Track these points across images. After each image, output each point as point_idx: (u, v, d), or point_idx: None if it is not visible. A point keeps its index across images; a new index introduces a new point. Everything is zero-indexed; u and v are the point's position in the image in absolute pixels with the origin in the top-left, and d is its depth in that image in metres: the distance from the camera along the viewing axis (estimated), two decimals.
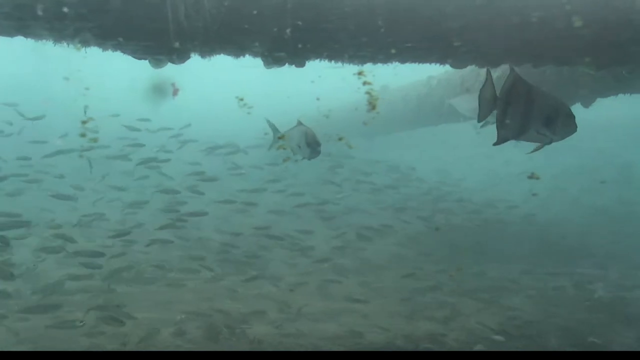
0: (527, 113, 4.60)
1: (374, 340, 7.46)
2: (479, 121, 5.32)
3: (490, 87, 4.79)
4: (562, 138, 4.72)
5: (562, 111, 4.59)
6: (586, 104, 9.69)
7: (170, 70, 7.02)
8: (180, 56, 6.23)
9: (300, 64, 6.83)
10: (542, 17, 6.53)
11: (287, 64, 6.79)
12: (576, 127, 4.66)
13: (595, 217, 17.26)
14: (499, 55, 7.22)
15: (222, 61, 6.84)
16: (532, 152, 5.15)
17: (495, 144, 4.93)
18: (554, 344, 7.41)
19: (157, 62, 6.62)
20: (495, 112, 4.70)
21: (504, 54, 7.25)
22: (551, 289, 10.17)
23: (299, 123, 6.83)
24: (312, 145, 6.63)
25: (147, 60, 6.62)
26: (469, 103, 7.58)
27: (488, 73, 4.86)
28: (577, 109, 9.59)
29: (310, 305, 8.83)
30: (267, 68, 6.87)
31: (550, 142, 4.75)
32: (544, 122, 4.57)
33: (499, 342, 7.45)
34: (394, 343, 7.39)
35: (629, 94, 9.47)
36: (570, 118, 4.60)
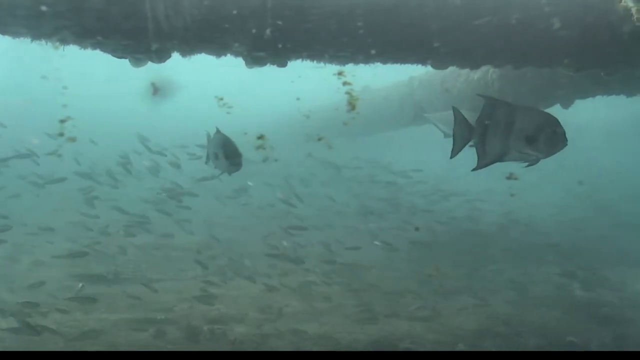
0: (506, 135, 4.55)
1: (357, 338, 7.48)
2: (451, 157, 5.39)
3: (463, 123, 4.83)
4: (549, 155, 4.62)
5: (546, 127, 4.49)
6: (565, 105, 9.78)
7: (170, 70, 7.02)
8: (159, 55, 6.19)
9: (282, 63, 6.80)
10: (521, 19, 6.57)
11: (268, 64, 6.76)
12: (565, 142, 4.54)
13: (574, 216, 17.41)
14: (480, 56, 7.25)
15: (202, 61, 6.82)
16: (527, 166, 5.13)
17: (474, 170, 4.96)
18: (532, 344, 7.46)
19: (136, 61, 6.57)
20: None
21: (484, 55, 7.28)
22: (529, 289, 10.22)
23: (218, 131, 6.18)
24: (231, 158, 5.95)
25: (126, 60, 6.58)
26: (447, 120, 7.40)
27: (456, 111, 4.90)
28: (556, 110, 9.70)
29: (291, 305, 8.82)
30: (249, 68, 6.84)
31: (537, 160, 4.68)
32: (526, 141, 4.50)
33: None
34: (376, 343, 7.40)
35: (606, 96, 9.58)
36: (555, 134, 4.49)
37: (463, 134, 4.84)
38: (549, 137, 4.45)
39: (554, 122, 4.51)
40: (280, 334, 7.68)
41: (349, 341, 7.49)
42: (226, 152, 5.92)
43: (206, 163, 6.59)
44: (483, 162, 4.79)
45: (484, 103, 4.74)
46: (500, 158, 4.69)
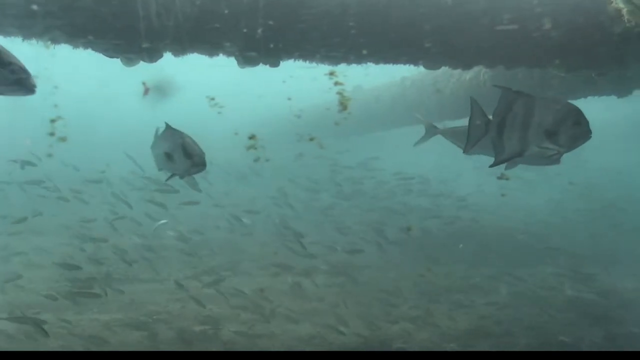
0: (525, 128, 4.31)
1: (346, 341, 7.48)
2: (464, 152, 5.18)
3: (479, 115, 4.60)
4: (571, 149, 4.33)
5: (567, 119, 4.19)
6: None
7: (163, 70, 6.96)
8: (151, 55, 6.18)
9: (274, 63, 6.80)
10: (513, 20, 6.60)
11: (261, 64, 6.76)
12: (589, 134, 4.25)
13: (565, 217, 17.46)
14: (471, 56, 7.27)
15: (195, 60, 6.81)
16: (546, 164, 4.95)
17: (492, 166, 4.74)
18: (523, 343, 7.49)
19: (128, 61, 6.56)
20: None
21: (476, 56, 7.31)
22: (520, 289, 10.25)
23: (169, 127, 5.46)
24: (194, 157, 5.22)
25: (118, 59, 6.57)
26: (461, 134, 6.94)
27: (473, 102, 4.68)
28: None
29: (283, 305, 8.81)
30: (241, 67, 6.83)
31: (558, 155, 4.39)
32: (546, 134, 4.24)
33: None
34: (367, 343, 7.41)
35: (597, 97, 9.61)
36: (578, 126, 4.20)
37: (479, 127, 4.62)
38: (571, 130, 4.20)
39: (576, 113, 4.24)
40: (272, 335, 7.67)
41: (341, 342, 7.49)
42: (186, 151, 5.22)
43: (159, 169, 5.78)
44: (501, 158, 4.53)
45: (501, 94, 4.50)
46: (518, 153, 4.43)
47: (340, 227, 12.85)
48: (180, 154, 5.23)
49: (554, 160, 5.24)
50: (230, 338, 7.48)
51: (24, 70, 4.02)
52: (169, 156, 5.35)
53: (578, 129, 4.19)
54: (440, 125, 7.19)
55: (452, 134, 6.59)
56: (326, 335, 7.65)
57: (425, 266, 10.82)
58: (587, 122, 4.21)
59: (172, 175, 5.55)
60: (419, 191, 16.25)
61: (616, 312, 8.99)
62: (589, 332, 7.99)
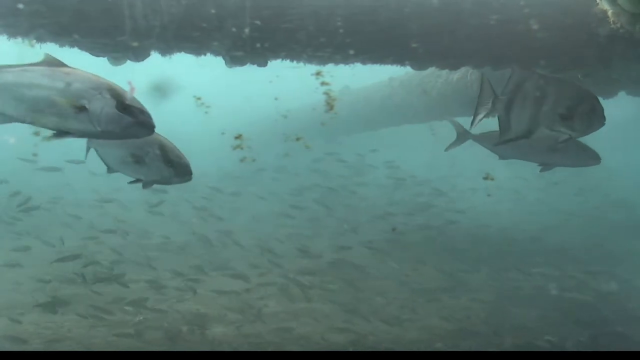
0: (537, 108, 4.18)
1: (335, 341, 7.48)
2: (470, 128, 5.07)
3: (487, 92, 4.49)
4: (584, 134, 4.22)
5: (583, 102, 4.09)
6: None
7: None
8: (137, 54, 6.15)
9: (262, 63, 6.79)
10: (500, 20, 6.62)
11: (248, 64, 6.74)
12: (603, 120, 4.13)
13: (550, 217, 17.55)
14: (458, 57, 7.29)
15: (182, 60, 6.78)
16: (544, 167, 4.79)
17: (496, 144, 4.63)
18: (509, 343, 7.52)
19: (115, 60, 6.52)
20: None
21: (463, 56, 7.32)
22: (507, 288, 10.29)
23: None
24: (179, 167, 4.82)
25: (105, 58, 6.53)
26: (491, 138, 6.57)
27: (483, 77, 4.57)
28: None
29: (271, 306, 8.81)
30: (229, 67, 6.81)
31: (568, 140, 4.27)
32: (560, 117, 4.12)
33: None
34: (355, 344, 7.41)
35: None
36: (593, 111, 4.10)
37: (486, 104, 4.50)
38: (586, 114, 4.09)
39: (592, 98, 4.15)
40: (260, 334, 7.66)
41: (328, 342, 7.49)
42: (166, 157, 4.79)
43: (111, 171, 5.24)
44: (506, 137, 4.43)
45: (511, 72, 4.43)
46: (526, 134, 4.32)
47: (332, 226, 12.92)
48: (157, 160, 4.82)
49: (591, 158, 5.10)
50: (216, 337, 7.47)
51: (142, 111, 4.17)
52: (137, 158, 4.89)
53: (594, 114, 4.10)
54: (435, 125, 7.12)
55: (485, 139, 6.34)
56: (312, 336, 7.66)
57: (411, 266, 10.87)
58: (602, 109, 4.12)
59: (137, 181, 5.07)
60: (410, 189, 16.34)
61: (601, 312, 9.05)
62: (575, 332, 8.03)
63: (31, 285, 9.21)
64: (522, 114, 4.30)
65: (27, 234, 11.76)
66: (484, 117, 4.63)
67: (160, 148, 4.80)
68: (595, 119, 4.12)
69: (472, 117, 4.70)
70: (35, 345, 6.99)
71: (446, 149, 6.56)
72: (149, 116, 4.18)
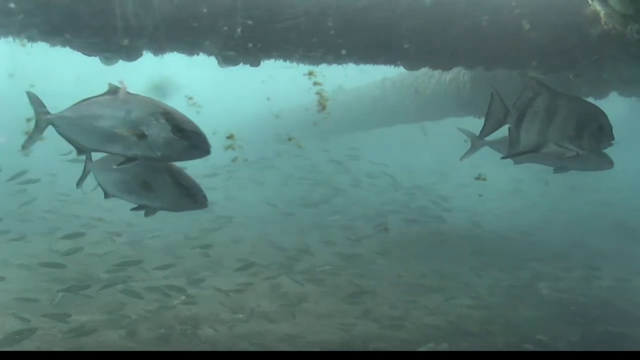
0: (546, 124, 4.20)
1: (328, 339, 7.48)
2: (479, 138, 5.05)
3: (499, 104, 4.49)
4: (591, 151, 4.26)
5: (591, 120, 4.11)
6: None
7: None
8: (129, 54, 6.13)
9: (255, 63, 6.78)
10: (491, 21, 6.64)
11: (241, 63, 6.73)
12: (611, 138, 4.16)
13: (542, 216, 17.61)
14: (451, 58, 7.30)
15: (174, 59, 6.77)
16: (556, 170, 4.78)
17: (503, 158, 4.65)
18: (501, 342, 7.54)
19: (107, 60, 6.51)
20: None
21: (456, 57, 7.34)
22: (499, 288, 10.31)
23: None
24: (196, 195, 4.55)
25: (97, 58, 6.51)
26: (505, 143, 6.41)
27: (494, 91, 4.56)
28: None
29: (263, 306, 8.80)
30: (221, 67, 6.80)
31: (576, 157, 4.32)
32: (568, 134, 4.14)
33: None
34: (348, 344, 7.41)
35: None
36: (601, 129, 4.12)
37: (497, 116, 4.52)
38: (594, 132, 4.12)
39: (600, 116, 4.16)
40: (251, 335, 7.66)
41: (320, 342, 7.49)
42: (178, 181, 4.56)
43: (110, 196, 4.99)
44: (514, 151, 4.48)
45: (525, 85, 4.43)
46: (535, 148, 4.35)
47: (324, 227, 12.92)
48: (169, 186, 4.60)
49: (605, 163, 5.13)
50: (208, 337, 7.46)
51: (197, 133, 4.21)
52: (145, 185, 4.65)
53: (601, 133, 4.12)
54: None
55: (499, 145, 6.19)
56: (306, 335, 7.65)
57: (403, 266, 10.89)
58: (610, 127, 4.14)
59: (139, 208, 4.85)
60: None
61: (593, 311, 9.09)
62: (566, 332, 8.06)
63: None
64: (531, 129, 4.32)
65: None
66: (494, 129, 4.63)
67: (170, 174, 4.64)
68: (604, 137, 4.15)
69: (482, 128, 4.69)
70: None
71: (461, 159, 6.50)
72: (203, 138, 4.23)
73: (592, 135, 4.13)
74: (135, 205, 4.88)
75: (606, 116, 4.18)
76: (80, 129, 4.45)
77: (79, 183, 5.02)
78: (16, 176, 11.86)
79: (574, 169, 5.78)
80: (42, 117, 4.65)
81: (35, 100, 4.69)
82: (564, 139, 4.20)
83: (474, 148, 6.35)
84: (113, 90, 4.40)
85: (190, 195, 4.60)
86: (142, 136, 4.16)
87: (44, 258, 9.74)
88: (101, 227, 11.64)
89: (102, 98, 4.43)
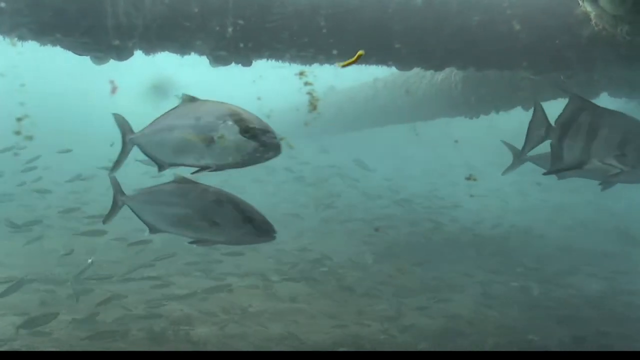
0: (589, 141, 4.14)
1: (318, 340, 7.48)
2: (520, 156, 4.94)
3: (541, 120, 4.42)
4: (635, 168, 4.15)
5: (636, 138, 4.01)
6: (527, 108, 9.90)
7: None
8: (120, 53, 6.11)
9: (247, 63, 6.77)
10: (482, 21, 6.66)
11: (233, 63, 6.72)
12: None
13: (534, 219, 17.65)
14: (442, 58, 7.31)
15: (165, 59, 6.76)
16: (603, 185, 4.72)
17: (545, 174, 4.57)
18: (491, 343, 7.55)
19: (97, 59, 6.48)
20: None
21: (447, 57, 7.35)
22: (491, 289, 10.32)
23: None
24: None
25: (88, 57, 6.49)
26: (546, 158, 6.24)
27: (537, 105, 4.49)
28: (518, 112, 9.83)
29: (255, 306, 8.78)
30: (213, 67, 6.79)
31: (619, 174, 4.24)
32: (612, 151, 4.07)
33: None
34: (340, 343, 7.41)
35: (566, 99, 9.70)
36: None
37: (539, 132, 4.48)
38: (637, 148, 4.03)
39: None
40: (245, 335, 7.64)
41: (313, 341, 7.48)
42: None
43: (153, 231, 4.75)
44: (556, 167, 4.41)
45: (568, 100, 4.37)
46: (577, 165, 4.28)
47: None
48: (233, 220, 4.30)
49: (612, 178, 5.12)
50: (201, 338, 7.44)
51: (265, 132, 4.02)
52: (211, 222, 4.36)
53: None
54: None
55: (541, 160, 6.11)
56: (299, 335, 7.64)
57: (396, 266, 10.88)
58: None
59: (197, 242, 4.54)
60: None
61: (584, 312, 9.12)
62: (557, 332, 8.08)
63: None
64: (574, 145, 4.26)
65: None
66: (536, 144, 4.57)
67: (232, 203, 4.35)
68: None
69: (524, 144, 4.63)
70: None
71: (503, 173, 6.43)
72: (272, 136, 4.05)
73: (636, 151, 4.05)
74: (191, 240, 4.55)
75: None
76: (157, 144, 4.36)
77: (107, 219, 4.89)
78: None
79: (622, 182, 5.69)
80: (128, 139, 4.54)
81: (122, 123, 4.60)
82: (608, 156, 4.14)
83: (516, 163, 6.24)
84: (188, 100, 4.31)
85: (259, 231, 4.31)
86: (212, 141, 4.04)
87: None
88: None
89: (177, 109, 4.33)
